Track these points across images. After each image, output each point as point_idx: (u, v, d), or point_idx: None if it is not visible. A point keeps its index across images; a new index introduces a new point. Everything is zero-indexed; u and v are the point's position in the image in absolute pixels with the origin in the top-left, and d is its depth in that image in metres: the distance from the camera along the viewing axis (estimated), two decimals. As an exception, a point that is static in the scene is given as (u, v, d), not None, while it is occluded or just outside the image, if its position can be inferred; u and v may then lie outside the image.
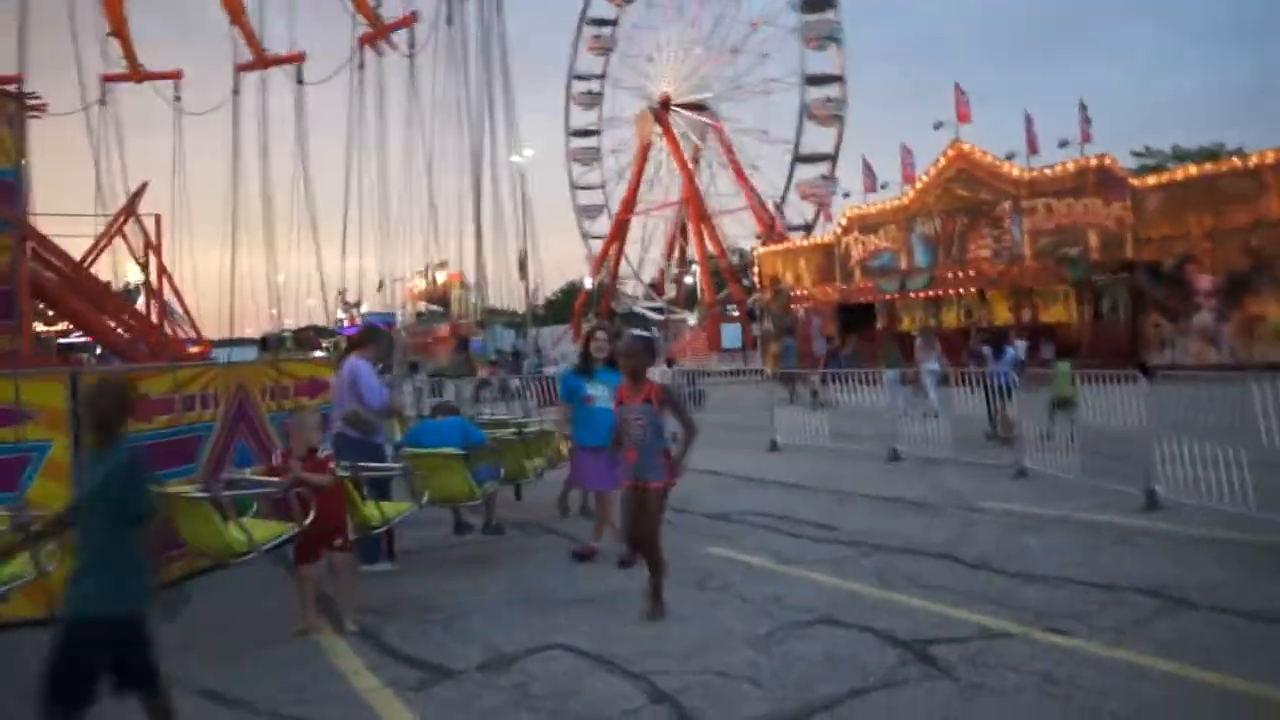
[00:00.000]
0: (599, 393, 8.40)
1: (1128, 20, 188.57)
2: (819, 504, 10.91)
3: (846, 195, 47.67)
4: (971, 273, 35.17)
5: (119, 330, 11.41)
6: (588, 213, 74.27)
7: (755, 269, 52.05)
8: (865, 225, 41.66)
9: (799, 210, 63.19)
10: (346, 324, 79.70)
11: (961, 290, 36.12)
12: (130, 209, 11.66)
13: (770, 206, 62.18)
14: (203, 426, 8.66)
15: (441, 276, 64.18)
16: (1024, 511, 9.81)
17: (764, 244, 53.65)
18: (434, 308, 68.00)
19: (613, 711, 5.04)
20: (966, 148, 36.31)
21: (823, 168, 63.05)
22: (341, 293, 69.89)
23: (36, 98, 11.89)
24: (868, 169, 42.75)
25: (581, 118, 74.86)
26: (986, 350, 16.37)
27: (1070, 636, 5.84)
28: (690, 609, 6.89)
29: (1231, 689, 4.95)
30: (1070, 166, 32.73)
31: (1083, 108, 32.92)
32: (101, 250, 11.76)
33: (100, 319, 11.52)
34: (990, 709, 4.82)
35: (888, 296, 38.91)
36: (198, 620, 7.16)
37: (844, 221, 43.49)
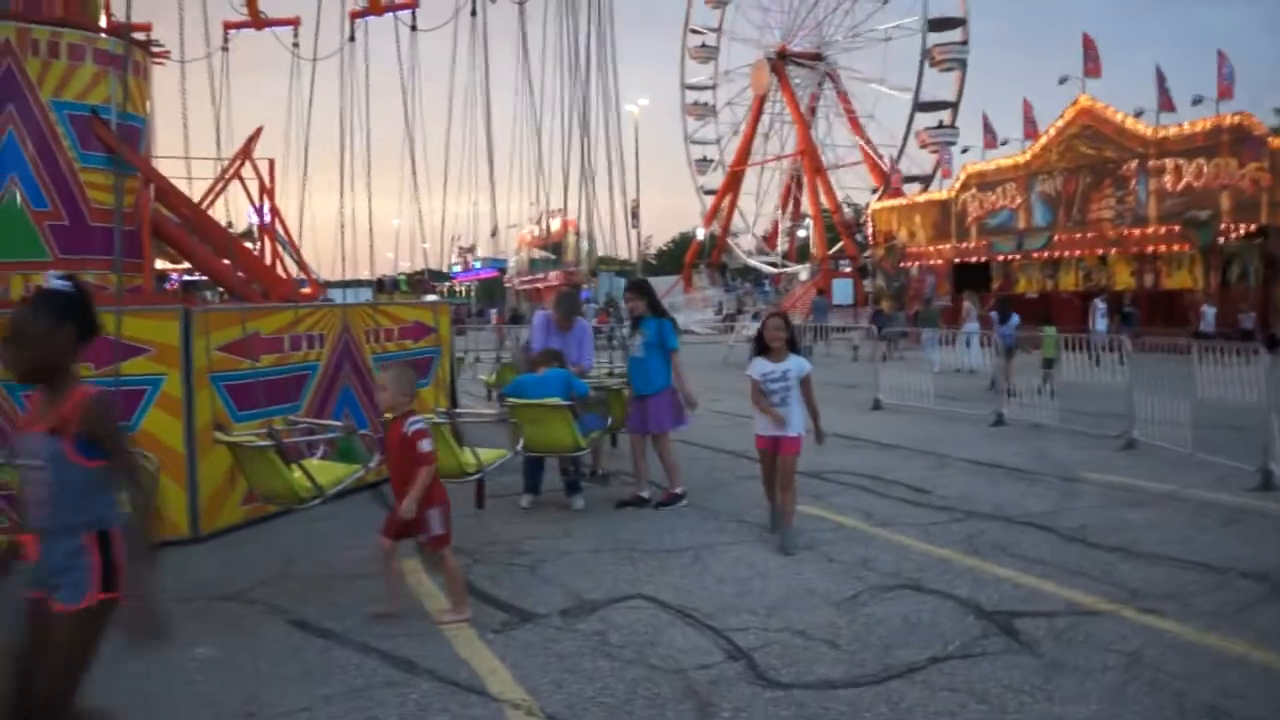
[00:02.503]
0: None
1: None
2: (916, 466, 10.78)
3: (965, 151, 46.62)
4: (1092, 235, 34.15)
5: (234, 271, 11.75)
6: (701, 167, 73.76)
7: (869, 224, 51.20)
8: (984, 182, 40.65)
9: (917, 160, 61.79)
10: (460, 269, 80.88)
11: (1081, 252, 35.09)
12: (246, 153, 11.95)
13: (887, 161, 60.94)
14: (309, 366, 8.90)
15: (555, 224, 64.45)
16: (1129, 484, 9.54)
17: (879, 199, 52.72)
18: (546, 255, 68.40)
19: (688, 664, 5.08)
20: (1092, 103, 35.07)
21: (943, 115, 61.46)
22: (456, 238, 70.76)
23: (160, 45, 12.27)
24: (987, 124, 41.65)
25: (697, 71, 74.14)
26: (995, 315, 19.43)
27: (1163, 617, 5.67)
28: (775, 567, 6.90)
29: (1328, 681, 4.78)
30: (1204, 124, 31.37)
31: (1221, 60, 31.46)
32: (219, 193, 12.08)
33: (216, 259, 11.87)
34: (1071, 688, 4.72)
35: (1004, 257, 38.02)
36: (296, 552, 7.45)
37: (962, 178, 42.47)
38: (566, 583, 6.56)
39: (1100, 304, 24.67)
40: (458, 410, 7.19)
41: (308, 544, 7.70)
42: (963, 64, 60.70)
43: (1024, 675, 4.87)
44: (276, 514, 8.45)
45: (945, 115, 61.47)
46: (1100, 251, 34.37)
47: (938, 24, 60.43)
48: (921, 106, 61.33)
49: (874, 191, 58.15)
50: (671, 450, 8.90)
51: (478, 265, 77.38)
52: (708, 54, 73.12)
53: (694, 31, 73.24)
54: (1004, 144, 40.66)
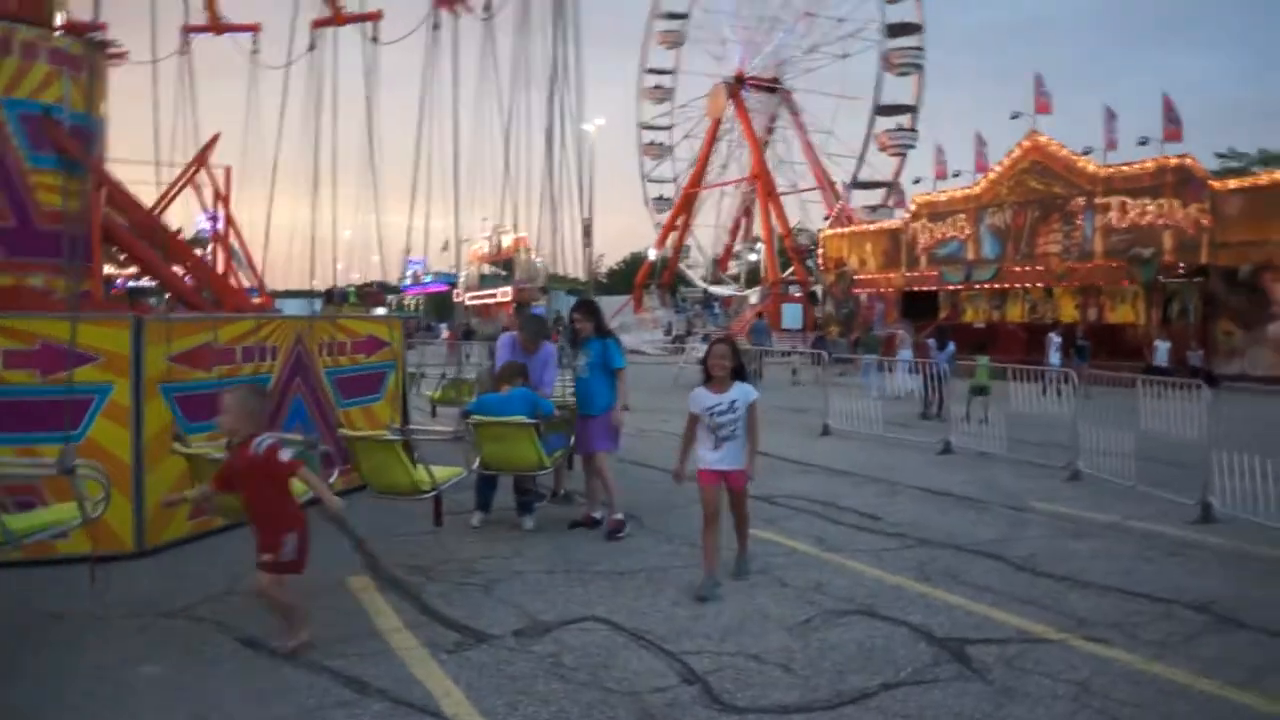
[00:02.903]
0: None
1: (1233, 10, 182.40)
2: (866, 493, 10.85)
3: (917, 181, 47.15)
4: (1040, 267, 34.71)
5: (185, 278, 11.61)
6: (658, 205, 74.03)
7: (820, 250, 51.64)
8: (934, 212, 41.16)
9: (878, 167, 62.43)
10: (410, 282, 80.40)
11: (1028, 285, 35.67)
12: (201, 159, 11.82)
13: (840, 189, 61.54)
14: (260, 378, 8.78)
15: (507, 240, 64.34)
16: (1075, 515, 9.68)
17: (830, 225, 53.20)
18: (497, 270, 68.26)
19: (643, 687, 5.06)
20: (1043, 140, 35.72)
21: (902, 119, 62.10)
22: (406, 251, 70.29)
23: (117, 45, 12.11)
24: (940, 155, 42.20)
25: (652, 111, 74.40)
26: (932, 343, 20.58)
27: (1110, 646, 5.76)
28: (729, 590, 6.90)
29: (1272, 713, 4.86)
30: (1149, 165, 32.06)
31: (1167, 104, 32.20)
32: (172, 199, 11.93)
33: (168, 266, 11.71)
34: (1021, 715, 4.77)
35: (952, 286, 38.50)
36: (244, 567, 7.32)
37: (913, 207, 43.00)
38: (520, 603, 6.52)
39: (1055, 337, 25.05)
40: (411, 427, 7.10)
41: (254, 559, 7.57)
42: (919, 68, 61.40)
43: (975, 703, 4.91)
44: (223, 528, 8.31)
45: (905, 119, 62.08)
46: (1046, 285, 34.96)
47: (895, 29, 61.25)
48: (881, 110, 61.88)
49: (825, 219, 58.66)
50: (608, 471, 8.81)
51: (428, 279, 77.02)
52: (663, 95, 73.57)
53: (649, 72, 73.55)
54: (955, 175, 41.24)
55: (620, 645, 5.73)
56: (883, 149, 61.54)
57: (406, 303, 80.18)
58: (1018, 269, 35.49)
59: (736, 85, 66.62)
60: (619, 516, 8.56)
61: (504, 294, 64.50)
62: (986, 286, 36.98)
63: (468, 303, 67.81)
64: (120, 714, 4.74)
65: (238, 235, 12.03)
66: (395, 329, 10.94)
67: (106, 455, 7.18)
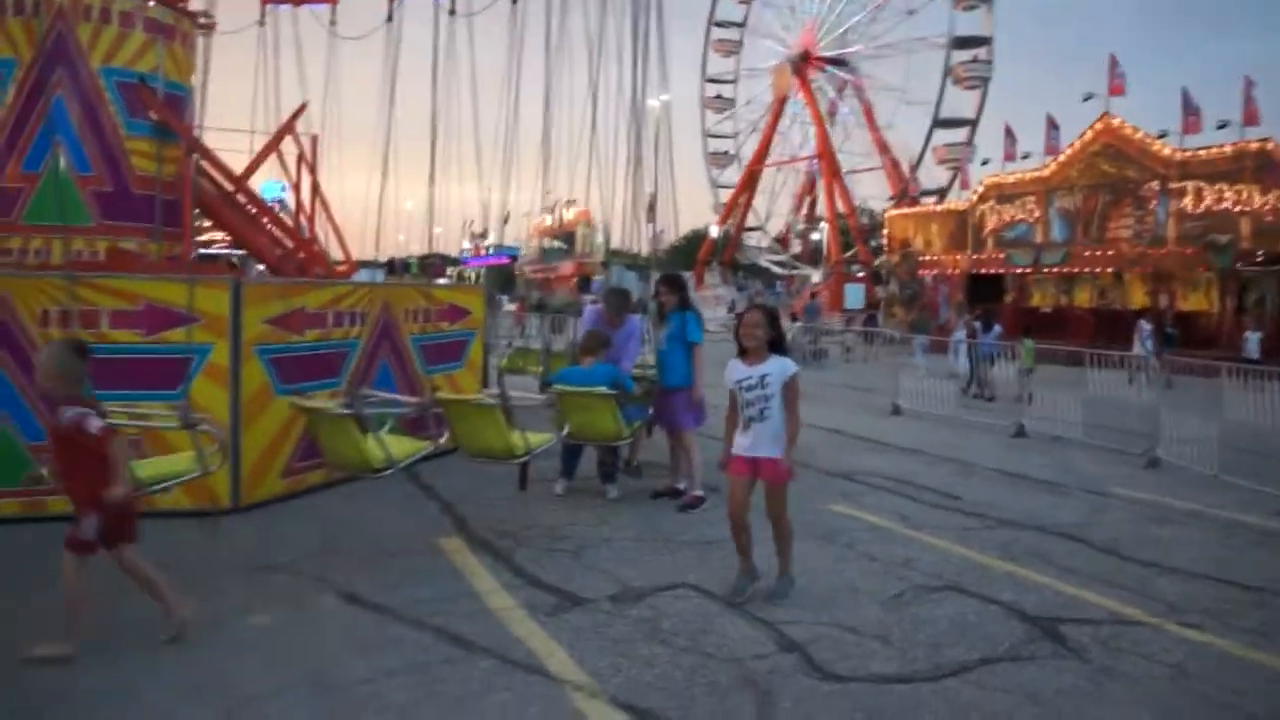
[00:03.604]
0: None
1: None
2: (942, 472, 10.81)
3: (985, 162, 46.43)
4: (1109, 252, 34.13)
5: (271, 245, 11.82)
6: (717, 160, 73.60)
7: (884, 231, 51.19)
8: (1002, 194, 40.51)
9: (933, 175, 61.79)
10: (471, 254, 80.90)
11: (1097, 269, 35.11)
12: (289, 127, 12.00)
13: (904, 168, 60.93)
14: (349, 343, 8.95)
15: (569, 214, 64.51)
16: (1156, 500, 9.57)
17: (895, 206, 52.70)
18: (558, 244, 68.45)
19: (743, 654, 5.13)
20: (1116, 122, 35.00)
21: (961, 134, 61.40)
22: (469, 223, 70.80)
23: (209, 16, 12.32)
24: (1009, 136, 41.55)
25: (719, 65, 74.00)
26: (978, 324, 21.15)
27: (1205, 632, 5.72)
28: (817, 563, 6.94)
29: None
30: (1227, 149, 31.29)
31: (1248, 85, 31.42)
32: (257, 166, 12.12)
33: (253, 232, 11.92)
34: (1122, 694, 4.78)
35: (1019, 270, 38.00)
36: (337, 526, 7.50)
37: (980, 189, 42.41)
38: (610, 569, 6.60)
39: (1145, 325, 24.60)
40: (510, 393, 7.18)
41: (347, 519, 7.75)
42: (985, 82, 60.55)
43: (1074, 680, 4.92)
44: (313, 488, 8.52)
45: (964, 133, 61.37)
46: (1116, 270, 34.40)
47: (962, 41, 60.32)
48: (941, 123, 61.20)
49: (890, 199, 58.09)
50: (694, 448, 8.86)
51: (490, 251, 77.40)
52: (730, 48, 72.88)
53: (718, 24, 73.04)
54: (1025, 157, 40.57)
55: (715, 613, 5.80)
56: (940, 162, 60.74)
57: (467, 275, 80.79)
58: (1087, 253, 34.93)
59: (802, 63, 66.06)
60: (699, 493, 8.59)
61: (566, 268, 64.71)
62: (1054, 271, 36.45)
63: (529, 275, 68.14)
64: (237, 662, 4.88)
65: (324, 204, 12.21)
66: (476, 298, 11.06)
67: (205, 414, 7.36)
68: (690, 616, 5.70)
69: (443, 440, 7.06)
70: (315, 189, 12.10)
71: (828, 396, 18.12)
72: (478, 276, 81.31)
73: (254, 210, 12.10)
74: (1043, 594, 6.38)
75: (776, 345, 6.13)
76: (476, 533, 7.39)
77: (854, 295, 54.78)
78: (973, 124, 61.11)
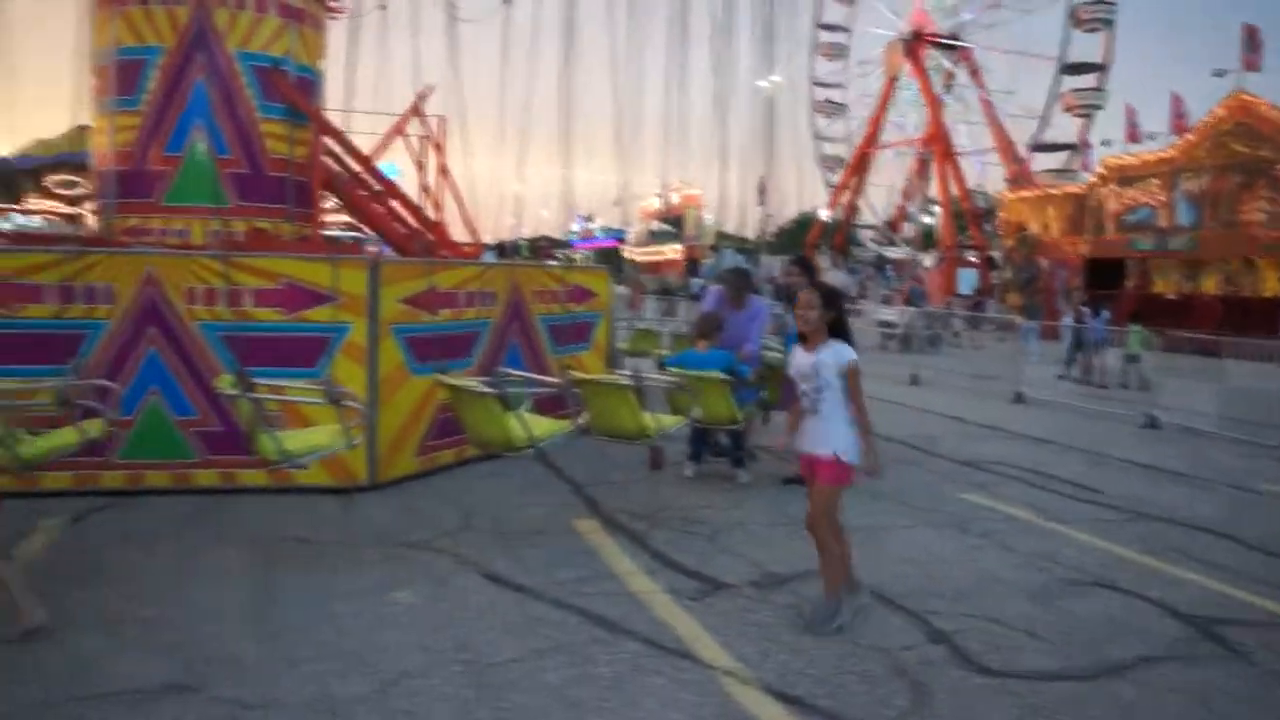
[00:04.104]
0: None
1: None
2: (1073, 462, 10.51)
3: (1105, 144, 45.00)
4: (1241, 237, 32.81)
5: (397, 226, 11.96)
6: (829, 163, 72.44)
7: (999, 214, 50.00)
8: (1124, 177, 39.23)
9: (1062, 128, 59.36)
10: (579, 237, 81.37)
11: (1227, 254, 33.78)
12: (416, 109, 12.11)
13: (1020, 150, 59.29)
14: (480, 323, 9.01)
15: (676, 197, 64.46)
16: (1306, 496, 9.18)
17: (1011, 188, 51.40)
18: (666, 227, 68.42)
19: (890, 644, 5.04)
20: (1250, 99, 33.59)
21: (1090, 79, 58.88)
22: (576, 206, 71.19)
23: (337, 0, 12.49)
24: (1131, 116, 40.24)
25: (826, 68, 72.51)
26: (1086, 310, 21.81)
27: (1376, 636, 5.45)
28: (953, 552, 6.82)
29: None
30: (1374, 127, 29.85)
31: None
32: (385, 147, 12.26)
33: (380, 213, 12.08)
34: (1295, 698, 4.57)
35: (1142, 254, 36.80)
36: (471, 505, 7.56)
37: (1101, 171, 41.12)
38: (747, 554, 6.54)
39: None
40: (641, 374, 7.14)
41: (481, 498, 7.81)
42: (1109, 23, 57.92)
43: (1244, 685, 4.73)
44: (445, 466, 8.62)
45: (1093, 79, 58.62)
46: (1247, 255, 33.06)
47: (1074, 68, 58.07)
48: (1067, 69, 58.72)
49: (1006, 181, 56.57)
50: None
51: (598, 234, 77.77)
52: (837, 51, 71.53)
53: (822, 28, 71.51)
54: (1149, 138, 39.30)
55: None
56: (1068, 110, 58.61)
57: (575, 257, 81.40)
58: (1215, 237, 33.64)
59: (914, 42, 64.69)
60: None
61: (673, 251, 64.69)
62: (1180, 256, 35.19)
63: (637, 259, 68.24)
64: (387, 637, 4.94)
65: (452, 185, 12.31)
66: (602, 280, 11.06)
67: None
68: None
69: (581, 421, 7.05)
70: (443, 171, 12.21)
71: (944, 383, 17.78)
72: (586, 260, 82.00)
73: (382, 191, 12.25)
74: (1192, 591, 6.16)
75: (837, 329, 5.39)
76: (610, 515, 7.39)
77: (967, 280, 53.67)
78: (1102, 69, 58.08)
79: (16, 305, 7.50)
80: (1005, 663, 4.84)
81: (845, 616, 5.27)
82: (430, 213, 12.22)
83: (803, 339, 5.46)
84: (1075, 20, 57.71)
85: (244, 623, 5.08)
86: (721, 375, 7.91)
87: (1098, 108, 58.07)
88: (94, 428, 6.12)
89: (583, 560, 6.29)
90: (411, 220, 12.04)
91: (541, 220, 72.44)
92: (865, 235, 71.64)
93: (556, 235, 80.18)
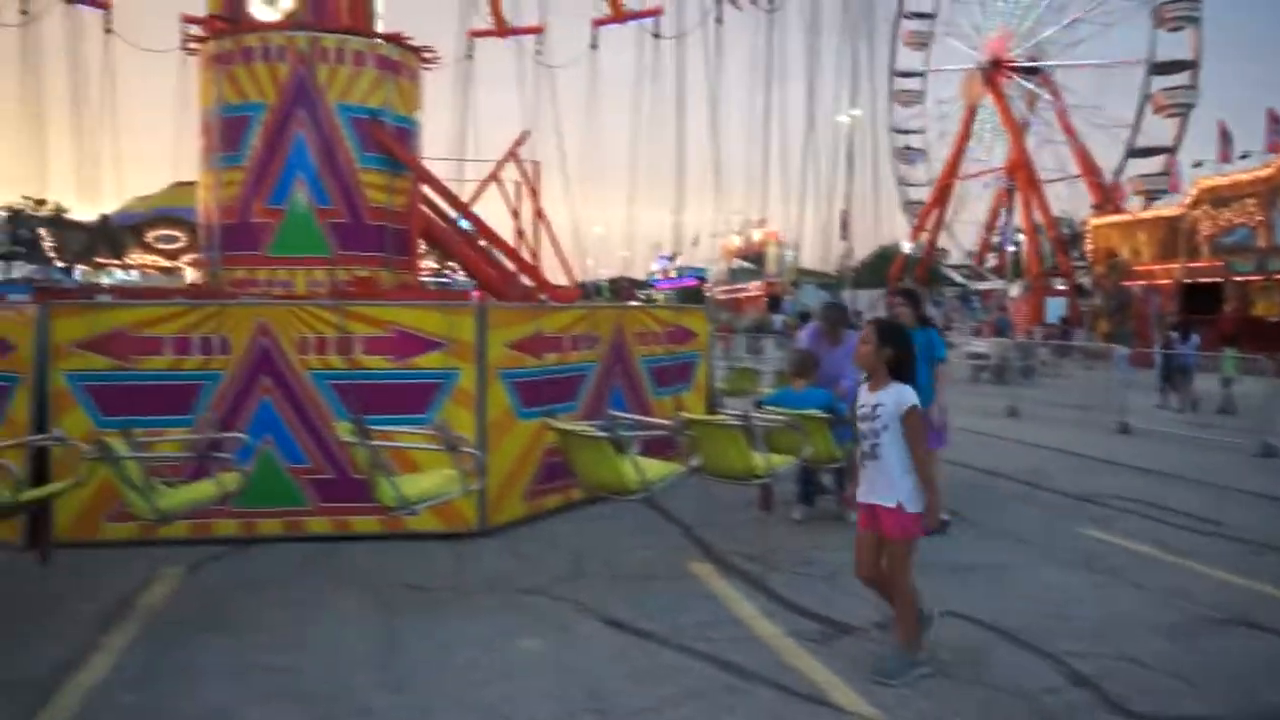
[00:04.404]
0: None
1: None
2: (1190, 494, 10.17)
3: (1198, 165, 43.97)
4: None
5: (494, 270, 12.09)
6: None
7: (1087, 241, 49.08)
8: (1218, 198, 38.33)
9: (1153, 136, 57.91)
10: (660, 276, 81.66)
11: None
12: (512, 154, 12.26)
13: (1106, 174, 58.14)
14: (585, 366, 9.02)
15: (758, 234, 64.45)
16: None
17: (1098, 214, 50.46)
18: (747, 265, 68.39)
19: (1031, 687, 4.88)
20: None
21: (1181, 77, 57.03)
22: (657, 246, 71.44)
23: (431, 50, 12.73)
24: (1224, 135, 39.29)
25: (903, 115, 71.77)
26: (1175, 335, 21.32)
27: None
28: (1082, 590, 6.61)
29: None
30: None
31: None
32: (481, 193, 12.42)
33: (479, 259, 12.23)
34: None
35: (1240, 277, 35.82)
36: (582, 549, 7.52)
37: (1193, 193, 40.19)
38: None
39: None
40: (751, 415, 7.06)
41: (592, 542, 7.75)
42: (1195, 21, 56.42)
43: None
44: (551, 511, 8.59)
45: (1184, 77, 57.04)
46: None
47: (1162, 67, 56.85)
48: (1156, 68, 57.23)
49: (1092, 207, 55.52)
50: (938, 471, 8.50)
51: (677, 274, 77.97)
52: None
53: (898, 75, 70.87)
54: (1242, 157, 38.34)
55: (990, 642, 5.56)
56: (1158, 110, 57.09)
57: (656, 297, 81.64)
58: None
59: (993, 70, 63.99)
60: (945, 517, 8.27)
61: (755, 288, 64.58)
62: (1281, 278, 34.20)
63: (719, 297, 68.21)
64: (514, 684, 4.91)
65: (548, 228, 12.42)
66: (701, 320, 11.03)
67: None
68: (964, 646, 5.46)
69: (694, 464, 6.98)
70: (539, 214, 12.33)
71: (1043, 414, 17.39)
72: (667, 300, 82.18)
73: (481, 237, 12.39)
74: (1343, 629, 5.87)
75: (899, 369, 5.08)
76: (724, 557, 7.30)
77: (1055, 309, 52.72)
78: (1193, 66, 56.60)
79: (136, 357, 7.68)
80: (1158, 708, 4.66)
81: (926, 668, 5.04)
82: (526, 257, 12.35)
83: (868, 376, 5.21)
84: (1159, 20, 56.50)
85: (371, 671, 5.08)
86: (818, 413, 7.79)
87: (1190, 106, 56.67)
88: (231, 481, 6.20)
89: (703, 604, 6.20)
90: (509, 264, 12.15)
91: (622, 260, 72.74)
92: (948, 267, 70.74)
93: (637, 275, 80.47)
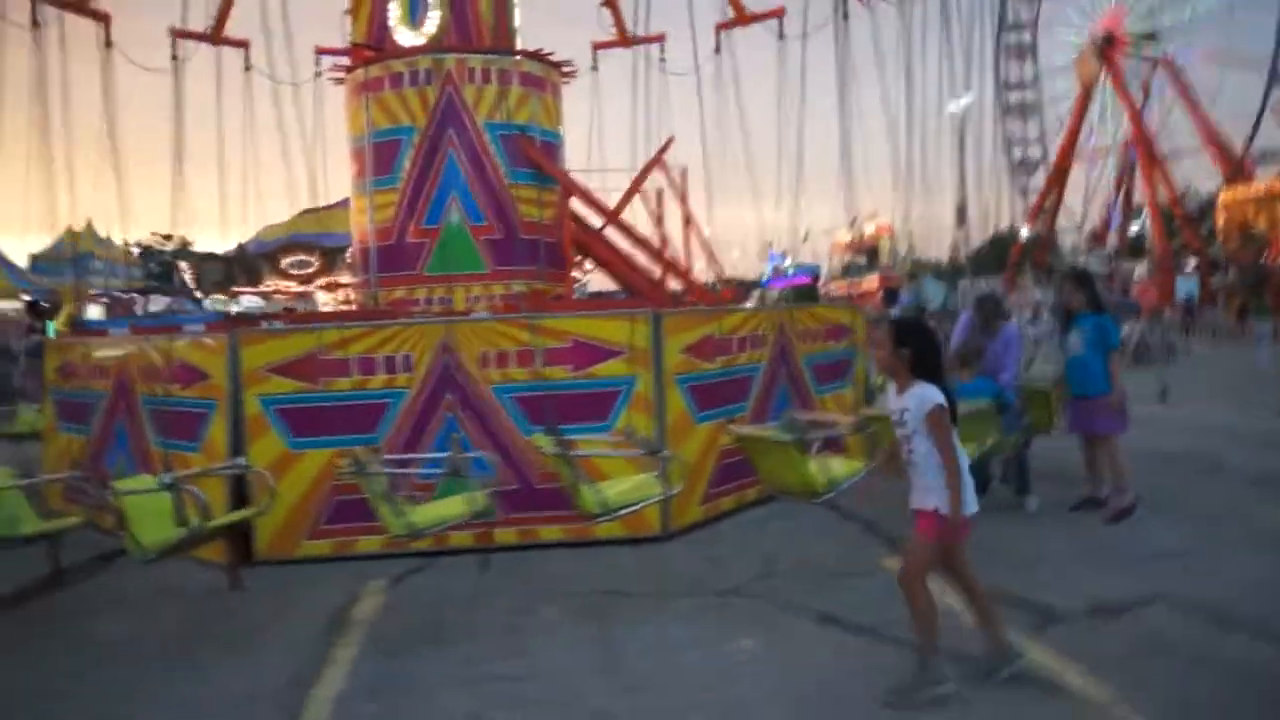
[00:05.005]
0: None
1: None
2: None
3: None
4: None
5: (645, 276, 12.27)
6: (1023, 168, 69.91)
7: (1218, 215, 47.35)
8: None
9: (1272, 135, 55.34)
10: (770, 275, 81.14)
11: None
12: (658, 160, 12.41)
13: (1236, 145, 55.86)
14: (753, 367, 9.11)
15: (870, 228, 63.68)
16: None
17: (1228, 186, 48.64)
18: (859, 260, 67.66)
19: (1259, 671, 4.84)
20: None
21: None
22: (769, 244, 71.03)
23: (570, 65, 12.99)
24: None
25: (1013, 70, 70.02)
26: None
27: None
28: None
29: None
30: None
31: None
32: (628, 200, 12.58)
33: (628, 266, 12.42)
34: None
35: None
36: (769, 549, 7.58)
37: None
38: (1071, 583, 6.36)
39: None
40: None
41: (777, 541, 7.82)
42: None
43: None
44: (726, 513, 8.68)
45: None
46: None
47: None
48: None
49: (1225, 180, 53.43)
50: (1120, 454, 8.41)
51: (790, 272, 77.39)
52: (1024, 50, 69.09)
53: (1008, 28, 69.34)
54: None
55: (1207, 625, 5.49)
56: None
57: (769, 297, 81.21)
58: None
59: (1107, 46, 62.16)
60: (1127, 503, 8.16)
61: (869, 282, 63.83)
62: None
63: (833, 294, 67.55)
64: (738, 685, 5.02)
65: (698, 233, 12.57)
66: (856, 315, 11.03)
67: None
68: (1184, 630, 5.42)
69: (875, 461, 6.99)
70: (688, 219, 12.48)
71: (1197, 393, 16.87)
72: (780, 298, 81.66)
73: (634, 244, 12.59)
74: None
75: (924, 367, 4.83)
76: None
77: (1184, 287, 51.01)
78: None
79: (324, 379, 8.00)
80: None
81: (949, 687, 4.72)
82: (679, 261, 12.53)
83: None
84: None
85: (598, 676, 5.22)
86: (986, 403, 7.74)
87: None
88: (480, 500, 6.40)
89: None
90: (657, 269, 12.33)
91: (735, 261, 72.56)
92: (1069, 250, 68.90)
93: (749, 275, 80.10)
